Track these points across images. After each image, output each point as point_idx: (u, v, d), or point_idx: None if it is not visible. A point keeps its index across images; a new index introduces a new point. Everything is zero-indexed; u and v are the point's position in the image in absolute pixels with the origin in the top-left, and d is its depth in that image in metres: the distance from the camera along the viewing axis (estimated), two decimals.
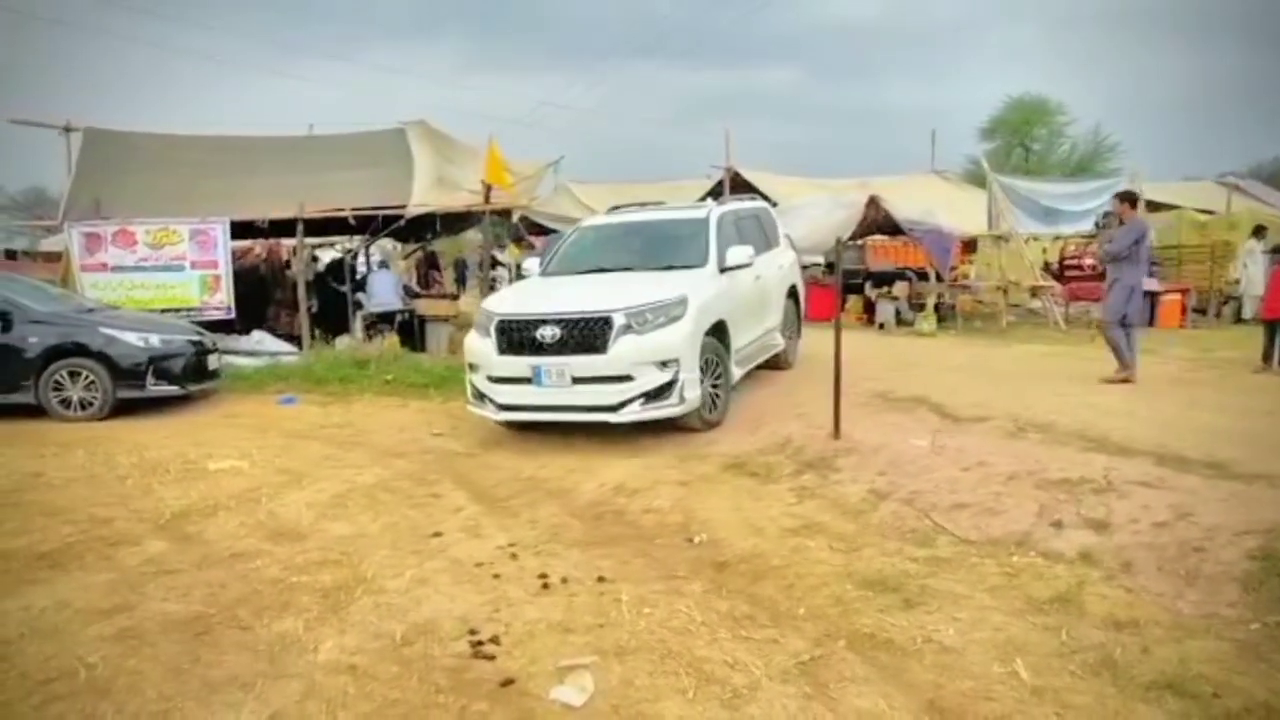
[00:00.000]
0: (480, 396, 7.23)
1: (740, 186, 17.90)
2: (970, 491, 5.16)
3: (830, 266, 17.55)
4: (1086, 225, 16.65)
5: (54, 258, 17.51)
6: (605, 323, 6.65)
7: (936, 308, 15.03)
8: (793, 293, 9.91)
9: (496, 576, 4.32)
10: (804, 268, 19.49)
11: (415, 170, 13.10)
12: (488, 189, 12.02)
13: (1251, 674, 3.12)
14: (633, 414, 6.66)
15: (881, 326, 15.21)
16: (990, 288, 16.18)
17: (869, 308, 16.11)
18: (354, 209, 12.21)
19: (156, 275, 11.88)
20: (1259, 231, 15.04)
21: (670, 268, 7.57)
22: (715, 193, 18.43)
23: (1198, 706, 2.94)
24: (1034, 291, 15.92)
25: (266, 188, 12.66)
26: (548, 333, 6.74)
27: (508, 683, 3.23)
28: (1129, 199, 8.84)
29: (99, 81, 75.29)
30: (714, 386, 7.21)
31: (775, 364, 9.29)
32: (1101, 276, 15.02)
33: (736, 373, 7.72)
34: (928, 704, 3.02)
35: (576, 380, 6.68)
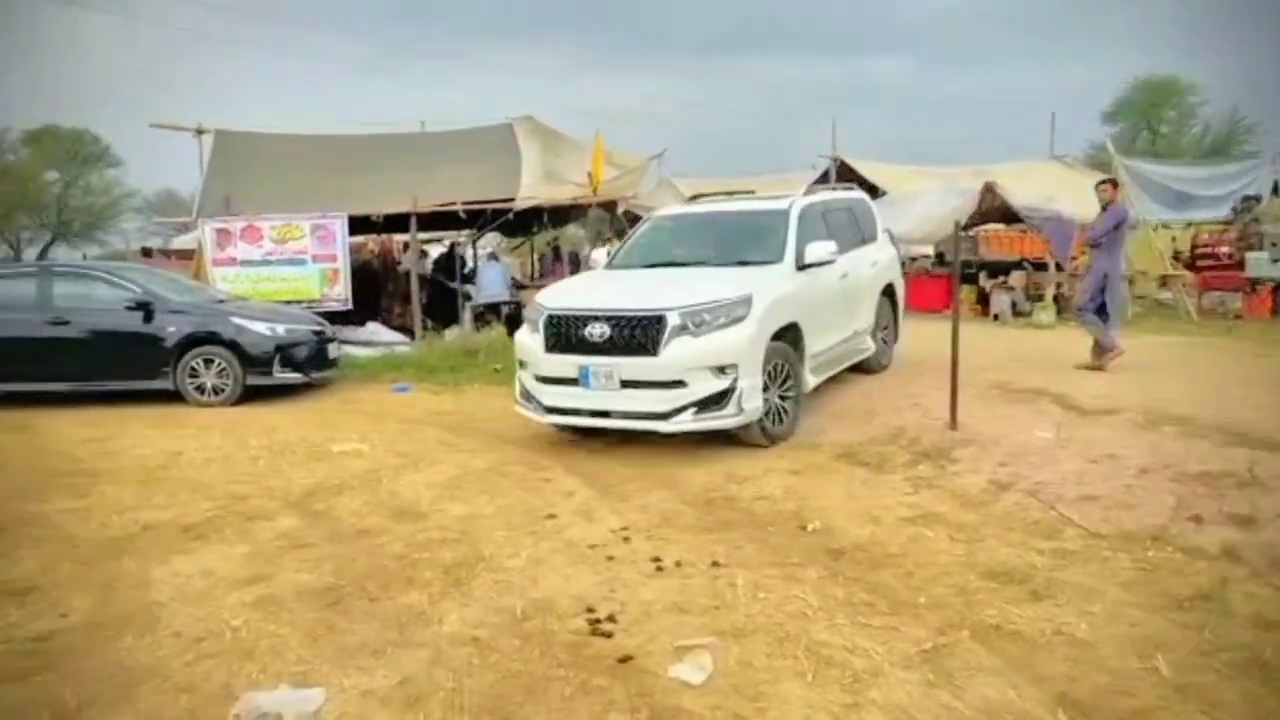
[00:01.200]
0: (528, 396, 6.75)
1: (848, 177, 17.59)
2: (1100, 484, 4.95)
3: (941, 257, 17.08)
4: (1223, 211, 15.72)
5: (186, 254, 18.54)
6: (657, 322, 6.08)
7: (1055, 299, 14.42)
8: (889, 291, 9.13)
9: (610, 558, 4.37)
10: (913, 259, 19.05)
11: (523, 164, 13.37)
12: (594, 182, 12.16)
13: None
14: (684, 424, 6.09)
15: (996, 318, 14.68)
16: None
17: (983, 299, 15.57)
18: (464, 203, 12.56)
19: (281, 269, 12.49)
20: None
21: (743, 263, 6.94)
22: (822, 183, 18.17)
23: None
24: (1163, 281, 15.09)
25: (381, 184, 13.15)
26: (596, 330, 6.21)
27: (626, 659, 3.27)
28: (1113, 183, 8.76)
29: (229, 86, 79.56)
30: (782, 397, 6.57)
31: (866, 368, 8.61)
32: (1240, 265, 14.20)
33: (811, 380, 7.05)
34: (1059, 696, 2.90)
35: (625, 384, 6.15)
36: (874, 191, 17.06)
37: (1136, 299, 14.71)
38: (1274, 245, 15.06)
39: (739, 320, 6.14)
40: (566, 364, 6.36)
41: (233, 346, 9.44)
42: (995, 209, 15.31)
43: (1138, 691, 2.92)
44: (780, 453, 6.29)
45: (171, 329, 9.43)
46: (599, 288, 7.19)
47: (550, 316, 6.51)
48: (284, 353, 9.66)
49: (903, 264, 17.31)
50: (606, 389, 6.23)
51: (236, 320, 9.65)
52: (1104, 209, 8.60)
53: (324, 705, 2.99)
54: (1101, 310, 8.49)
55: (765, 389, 6.31)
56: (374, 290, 15.25)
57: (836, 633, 3.44)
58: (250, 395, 9.47)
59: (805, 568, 4.14)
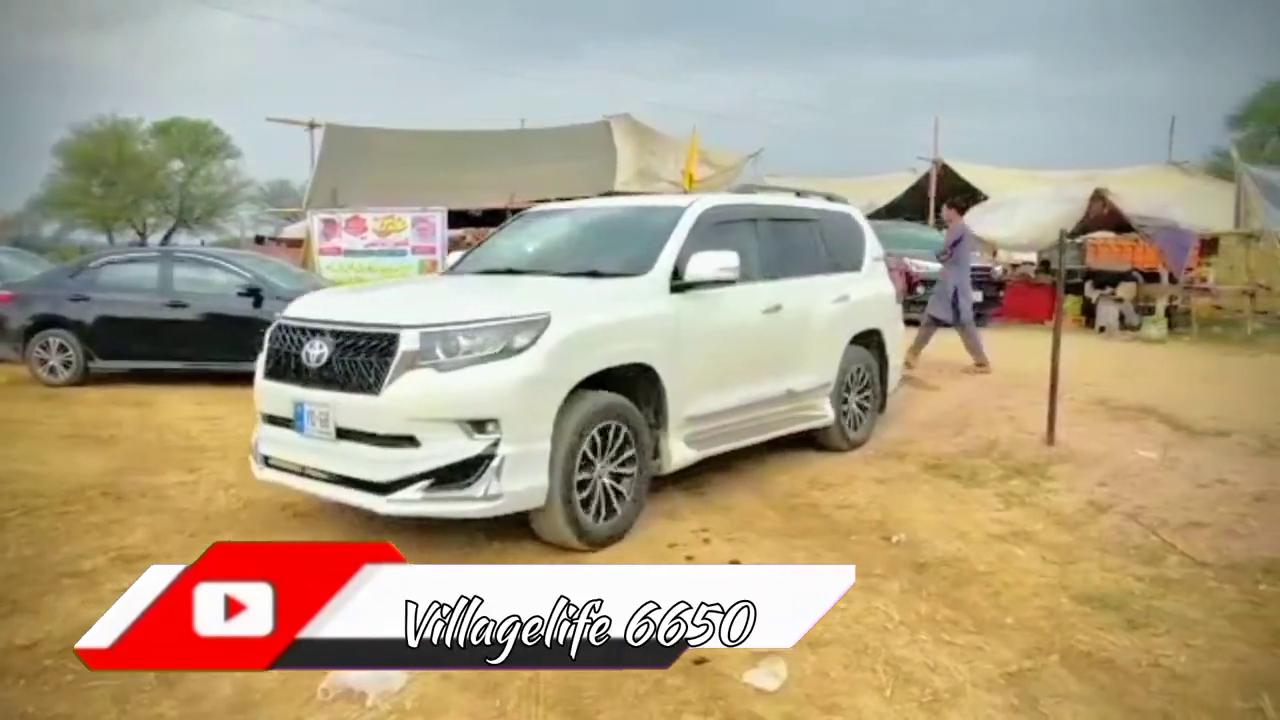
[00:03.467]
0: (256, 440, 4.86)
1: (949, 179, 17.17)
2: (1208, 510, 4.72)
3: (1046, 265, 16.52)
4: None
5: (295, 243, 19.32)
6: (387, 344, 4.10)
7: (1168, 312, 13.76)
8: (874, 342, 6.71)
9: (689, 558, 4.37)
10: (1014, 266, 18.40)
11: (618, 162, 13.53)
12: (690, 181, 12.19)
13: None
14: (408, 503, 4.02)
15: (1102, 330, 14.09)
16: (1234, 292, 14.61)
17: (1088, 310, 14.98)
18: (558, 200, 12.75)
19: (383, 259, 12.96)
20: None
21: (596, 274, 4.93)
22: (920, 187, 17.81)
23: None
24: None
25: (481, 179, 13.54)
26: (314, 351, 4.32)
27: (700, 661, 3.25)
28: (955, 206, 10.01)
29: (344, 84, 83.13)
30: (616, 476, 4.51)
31: (819, 442, 6.32)
32: None
33: (683, 455, 4.97)
34: None
35: (341, 433, 4.20)
36: (976, 196, 16.62)
37: (1259, 314, 13.92)
38: None
39: (515, 352, 4.08)
40: (281, 396, 4.53)
41: None
42: (1105, 217, 14.72)
43: None
44: (868, 460, 6.18)
45: (278, 314, 9.82)
46: (356, 294, 5.76)
47: (276, 328, 4.76)
48: None
49: (1004, 271, 16.85)
50: (321, 437, 4.28)
51: None
52: (947, 228, 9.84)
53: (405, 685, 3.09)
54: (955, 320, 9.32)
55: (588, 463, 4.33)
56: None
57: (918, 649, 3.36)
58: None
59: (888, 580, 4.06)
